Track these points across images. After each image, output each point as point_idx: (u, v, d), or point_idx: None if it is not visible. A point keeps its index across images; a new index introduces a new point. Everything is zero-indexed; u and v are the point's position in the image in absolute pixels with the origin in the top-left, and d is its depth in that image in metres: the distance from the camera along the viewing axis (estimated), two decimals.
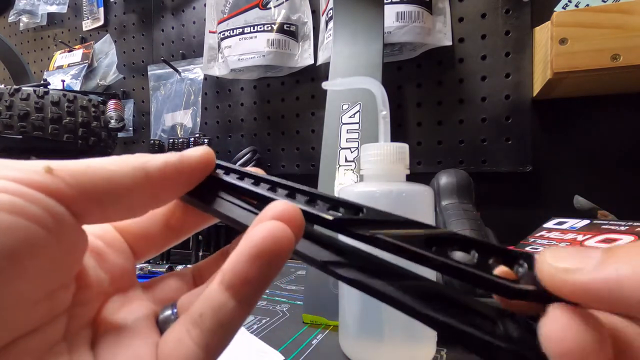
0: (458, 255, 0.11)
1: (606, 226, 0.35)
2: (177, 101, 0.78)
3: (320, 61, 0.63)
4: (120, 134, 0.80)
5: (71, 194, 0.11)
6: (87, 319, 0.13)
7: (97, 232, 0.15)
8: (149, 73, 0.81)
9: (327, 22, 0.60)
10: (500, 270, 0.11)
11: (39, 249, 0.10)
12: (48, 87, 0.59)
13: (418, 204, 0.26)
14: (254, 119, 0.72)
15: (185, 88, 0.77)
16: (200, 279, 0.17)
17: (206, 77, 0.76)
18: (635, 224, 0.34)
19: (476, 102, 0.55)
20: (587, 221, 0.38)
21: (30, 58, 1.01)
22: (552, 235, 0.38)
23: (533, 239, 0.39)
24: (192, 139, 0.65)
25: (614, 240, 0.32)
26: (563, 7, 0.49)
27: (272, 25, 0.64)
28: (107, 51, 0.87)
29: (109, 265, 0.14)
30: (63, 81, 0.84)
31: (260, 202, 0.14)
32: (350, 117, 0.40)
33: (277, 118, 0.70)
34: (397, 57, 0.59)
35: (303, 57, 0.65)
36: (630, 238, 0.32)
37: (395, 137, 0.28)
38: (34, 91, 0.54)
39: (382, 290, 0.11)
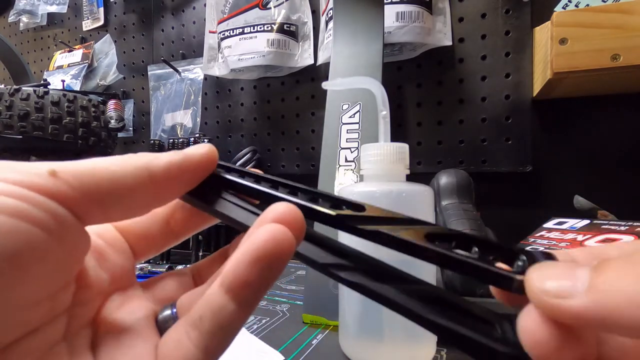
0: (459, 252, 0.11)
1: (606, 226, 0.35)
2: (177, 101, 0.78)
3: (320, 61, 0.63)
4: (120, 134, 0.80)
5: (75, 197, 0.11)
6: (87, 318, 0.13)
7: (98, 231, 0.15)
8: (149, 73, 0.81)
9: (327, 22, 0.60)
10: (500, 267, 0.11)
11: (41, 252, 0.10)
12: (48, 87, 0.59)
13: (418, 204, 0.26)
14: (254, 119, 0.72)
15: (185, 88, 0.77)
16: (199, 279, 0.17)
17: (206, 77, 0.76)
18: (635, 224, 0.34)
19: (476, 102, 0.55)
20: (587, 221, 0.38)
21: (30, 58, 1.01)
22: (552, 235, 0.38)
23: (533, 239, 0.39)
24: (192, 139, 0.65)
25: (614, 240, 0.32)
26: (563, 7, 0.49)
27: (272, 25, 0.64)
28: (107, 51, 0.87)
29: (109, 264, 0.14)
30: (63, 81, 0.84)
31: (262, 201, 0.14)
32: (350, 117, 0.40)
33: (277, 118, 0.70)
34: (397, 57, 0.59)
35: (303, 57, 0.65)
36: (630, 238, 0.32)
37: (395, 137, 0.28)
38: (34, 91, 0.54)
39: (383, 294, 0.11)
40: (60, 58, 0.94)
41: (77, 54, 0.91)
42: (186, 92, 0.77)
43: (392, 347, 0.26)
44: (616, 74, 0.39)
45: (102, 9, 0.88)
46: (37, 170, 0.11)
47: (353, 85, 0.32)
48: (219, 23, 0.68)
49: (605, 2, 0.46)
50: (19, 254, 0.09)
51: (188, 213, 0.16)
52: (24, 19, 0.99)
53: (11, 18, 1.00)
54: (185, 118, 0.76)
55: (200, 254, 0.57)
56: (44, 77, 0.93)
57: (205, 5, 0.72)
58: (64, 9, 0.93)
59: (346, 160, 0.39)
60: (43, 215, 0.10)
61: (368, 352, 0.27)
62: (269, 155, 0.70)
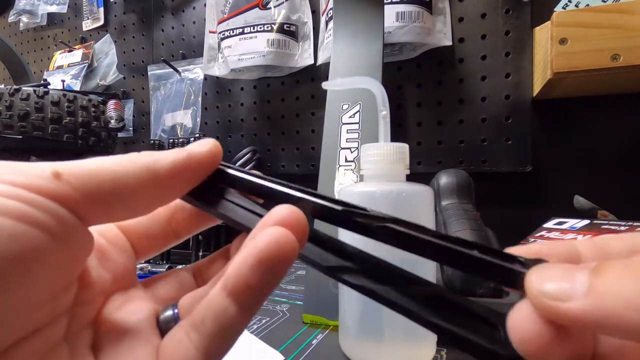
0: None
1: (606, 226, 0.35)
2: (177, 101, 0.78)
3: (320, 61, 0.63)
4: (120, 134, 0.80)
5: (78, 198, 0.11)
6: (88, 318, 0.13)
7: (100, 230, 0.15)
8: (149, 73, 0.81)
9: (327, 22, 0.60)
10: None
11: (43, 255, 0.10)
12: (48, 87, 0.59)
13: (418, 204, 0.26)
14: (254, 119, 0.72)
15: (185, 88, 0.77)
16: (200, 278, 0.17)
17: (206, 77, 0.76)
18: (635, 224, 0.34)
19: (476, 102, 0.55)
20: (587, 221, 0.38)
21: (30, 58, 1.01)
22: (552, 235, 0.38)
23: (533, 239, 0.39)
24: (192, 139, 0.65)
25: None
26: (563, 7, 0.49)
27: (272, 25, 0.64)
28: (107, 51, 0.87)
29: (111, 263, 0.14)
30: (63, 81, 0.84)
31: (267, 197, 0.14)
32: (350, 117, 0.40)
33: (277, 118, 0.70)
34: (397, 57, 0.59)
35: (303, 57, 0.65)
36: None
37: (395, 137, 0.28)
38: (34, 91, 0.54)
39: (386, 296, 0.12)
40: (60, 58, 0.94)
41: (77, 54, 0.91)
42: (186, 92, 0.77)
43: (392, 347, 0.26)
44: (616, 74, 0.39)
45: (102, 9, 0.88)
46: (41, 171, 0.11)
47: (353, 85, 0.32)
48: (219, 23, 0.68)
49: (605, 2, 0.46)
50: (21, 257, 0.09)
51: (189, 212, 0.16)
52: (24, 19, 0.99)
53: (11, 18, 1.00)
54: (185, 118, 0.76)
55: (200, 254, 0.57)
56: (44, 77, 0.93)
57: (205, 5, 0.72)
58: (64, 9, 0.93)
59: (346, 160, 0.39)
60: (46, 218, 0.10)
61: (368, 352, 0.27)
62: (269, 155, 0.70)
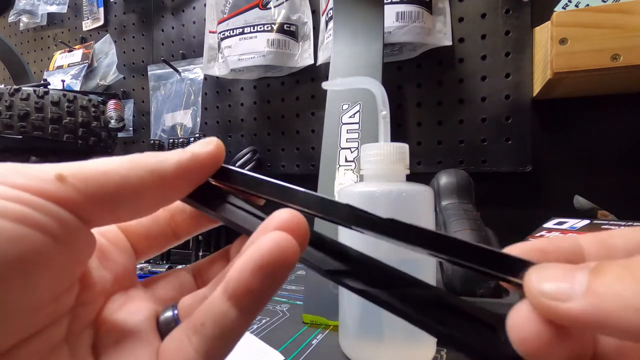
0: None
1: (606, 226, 0.35)
2: (177, 101, 0.78)
3: (320, 61, 0.63)
4: (120, 134, 0.80)
5: (82, 201, 0.11)
6: (89, 319, 0.13)
7: (101, 230, 0.14)
8: (149, 73, 0.81)
9: (327, 22, 0.60)
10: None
11: (45, 258, 0.10)
12: (48, 87, 0.59)
13: (418, 204, 0.26)
14: (254, 119, 0.72)
15: (185, 88, 0.77)
16: (200, 279, 0.16)
17: (206, 77, 0.75)
18: (635, 224, 0.34)
19: (476, 102, 0.55)
20: (587, 221, 0.38)
21: (30, 58, 1.01)
22: (552, 235, 0.38)
23: (533, 239, 0.39)
24: (192, 139, 0.65)
25: None
26: (563, 7, 0.49)
27: (272, 25, 0.64)
28: (107, 51, 0.87)
29: (112, 264, 0.14)
30: (63, 81, 0.84)
31: (271, 196, 0.14)
32: (350, 117, 0.40)
33: (277, 118, 0.70)
34: (397, 57, 0.59)
35: (303, 57, 0.65)
36: None
37: (395, 137, 0.28)
38: (34, 91, 0.54)
39: (387, 300, 0.12)
40: (60, 58, 0.94)
41: (77, 54, 0.91)
42: (186, 92, 0.77)
43: (392, 347, 0.26)
44: (616, 74, 0.39)
45: (102, 9, 0.88)
46: (44, 174, 0.11)
47: (353, 85, 0.32)
48: (219, 23, 0.68)
49: (605, 2, 0.46)
50: (23, 260, 0.09)
51: (189, 214, 0.16)
52: (24, 19, 0.99)
53: (11, 18, 1.00)
54: (185, 118, 0.76)
55: (200, 254, 0.57)
56: (44, 77, 0.93)
57: (205, 5, 0.72)
58: (64, 9, 0.93)
59: (346, 160, 0.39)
60: (47, 221, 0.10)
61: (368, 352, 0.27)
62: (269, 155, 0.70)
